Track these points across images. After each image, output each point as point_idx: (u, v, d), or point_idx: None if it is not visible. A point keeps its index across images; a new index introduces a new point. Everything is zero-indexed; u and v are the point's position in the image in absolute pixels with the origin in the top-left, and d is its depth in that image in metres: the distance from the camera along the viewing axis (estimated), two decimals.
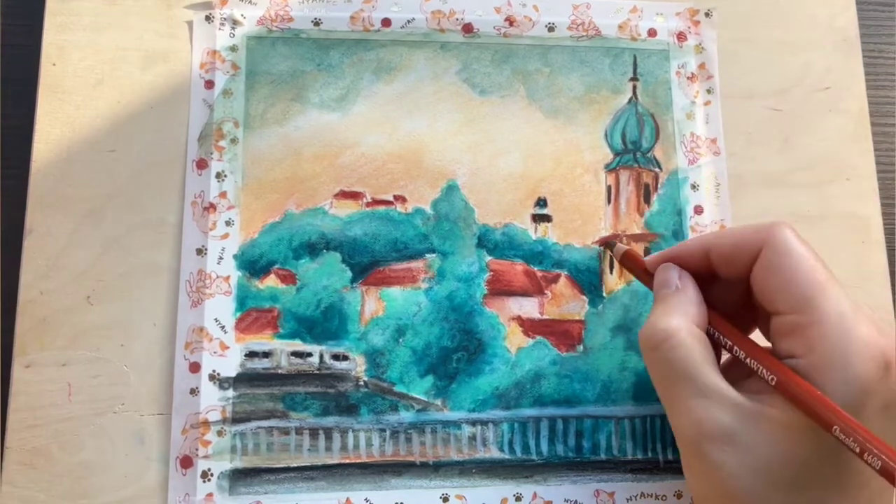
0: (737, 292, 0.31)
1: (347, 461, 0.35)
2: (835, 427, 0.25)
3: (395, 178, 0.38)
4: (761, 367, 0.28)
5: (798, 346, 0.28)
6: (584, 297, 0.38)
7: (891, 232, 0.41)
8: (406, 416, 0.36)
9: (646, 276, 0.33)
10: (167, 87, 0.38)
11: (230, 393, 0.35)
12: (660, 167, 0.40)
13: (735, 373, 0.30)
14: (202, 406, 0.35)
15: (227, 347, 0.36)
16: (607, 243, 0.38)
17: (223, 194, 0.37)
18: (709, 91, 0.41)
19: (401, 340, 0.37)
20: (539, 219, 0.39)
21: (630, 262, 0.35)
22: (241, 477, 0.34)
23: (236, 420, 0.35)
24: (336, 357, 0.36)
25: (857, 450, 0.25)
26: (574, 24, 0.41)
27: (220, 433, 0.35)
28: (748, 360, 0.29)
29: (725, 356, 0.33)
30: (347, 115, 0.39)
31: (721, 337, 0.30)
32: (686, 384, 0.28)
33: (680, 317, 0.29)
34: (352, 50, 0.39)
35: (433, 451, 0.36)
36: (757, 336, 0.32)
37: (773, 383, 0.28)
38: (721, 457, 0.27)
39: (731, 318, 0.31)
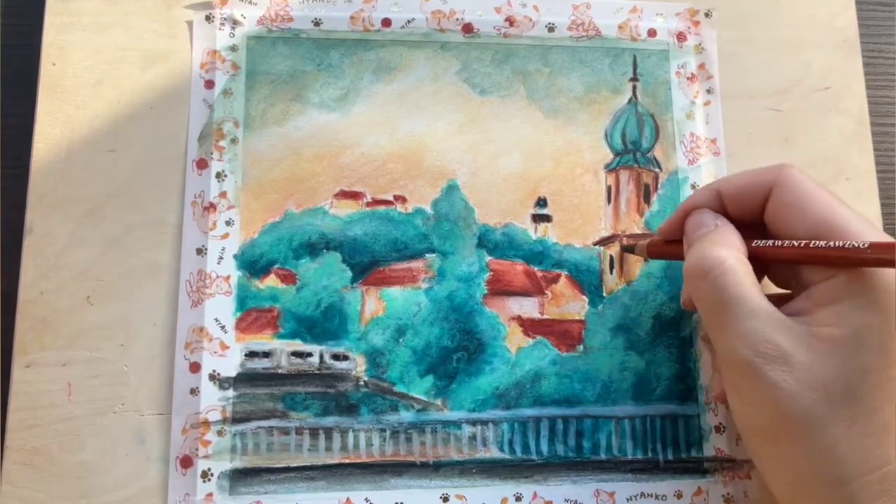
0: (747, 235, 0.32)
1: (347, 461, 0.35)
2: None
3: (396, 177, 0.38)
4: (846, 243, 0.29)
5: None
6: (584, 297, 0.38)
7: (891, 232, 0.41)
8: (406, 415, 0.36)
9: (677, 247, 0.34)
10: (167, 87, 0.38)
11: (230, 393, 0.35)
12: (660, 167, 0.40)
13: (773, 302, 0.30)
14: (202, 406, 0.35)
15: (228, 347, 0.36)
16: (627, 247, 0.38)
17: (223, 194, 0.37)
18: (709, 91, 0.41)
19: (401, 340, 0.37)
20: (539, 219, 0.39)
21: (658, 249, 0.36)
22: (241, 477, 0.34)
23: (236, 420, 0.35)
24: (336, 357, 0.36)
25: None
26: (574, 24, 0.41)
27: (220, 433, 0.35)
28: (822, 245, 0.29)
29: None
30: (347, 115, 0.39)
31: (775, 245, 0.31)
32: (740, 308, 0.29)
33: (727, 246, 0.31)
34: (352, 50, 0.39)
35: (433, 450, 0.36)
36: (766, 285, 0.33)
37: (867, 246, 0.28)
38: (779, 376, 0.28)
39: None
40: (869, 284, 0.28)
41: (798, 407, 0.28)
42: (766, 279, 0.34)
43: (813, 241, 0.29)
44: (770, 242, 0.31)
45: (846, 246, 0.28)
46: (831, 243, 0.29)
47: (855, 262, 0.28)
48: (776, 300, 0.30)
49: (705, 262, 0.30)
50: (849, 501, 0.28)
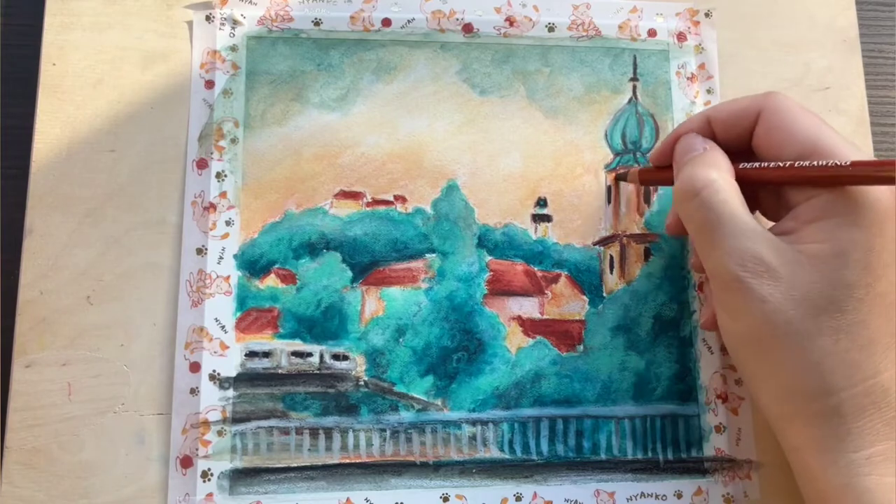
0: (735, 160, 0.33)
1: (347, 461, 0.35)
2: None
3: (395, 177, 0.38)
4: (828, 162, 0.30)
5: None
6: (585, 297, 0.38)
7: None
8: (406, 415, 0.36)
9: (668, 172, 0.35)
10: (167, 87, 0.38)
11: (230, 393, 0.35)
12: None
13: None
14: (202, 406, 0.35)
15: (228, 347, 0.36)
16: (620, 175, 0.39)
17: (223, 194, 0.37)
18: (709, 91, 0.41)
19: (401, 340, 0.37)
20: (539, 219, 0.39)
21: (649, 175, 0.37)
22: (241, 477, 0.34)
23: (236, 420, 0.35)
24: (336, 357, 0.36)
25: None
26: (574, 24, 0.41)
27: (220, 433, 0.35)
28: (806, 165, 0.30)
29: None
30: (347, 115, 0.39)
31: (761, 167, 0.32)
32: (729, 225, 0.30)
33: (716, 168, 0.32)
34: (352, 50, 0.39)
35: (433, 450, 0.36)
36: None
37: (849, 164, 0.29)
38: (766, 290, 0.29)
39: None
40: (852, 202, 0.29)
41: (785, 319, 0.29)
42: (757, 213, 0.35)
43: (797, 162, 0.30)
44: (756, 165, 0.32)
45: (829, 164, 0.29)
46: (815, 162, 0.30)
47: (838, 180, 0.29)
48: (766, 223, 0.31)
49: (695, 182, 0.31)
50: (835, 413, 0.28)
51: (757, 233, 0.30)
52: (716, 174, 0.31)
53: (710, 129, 0.34)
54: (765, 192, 0.35)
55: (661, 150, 0.36)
